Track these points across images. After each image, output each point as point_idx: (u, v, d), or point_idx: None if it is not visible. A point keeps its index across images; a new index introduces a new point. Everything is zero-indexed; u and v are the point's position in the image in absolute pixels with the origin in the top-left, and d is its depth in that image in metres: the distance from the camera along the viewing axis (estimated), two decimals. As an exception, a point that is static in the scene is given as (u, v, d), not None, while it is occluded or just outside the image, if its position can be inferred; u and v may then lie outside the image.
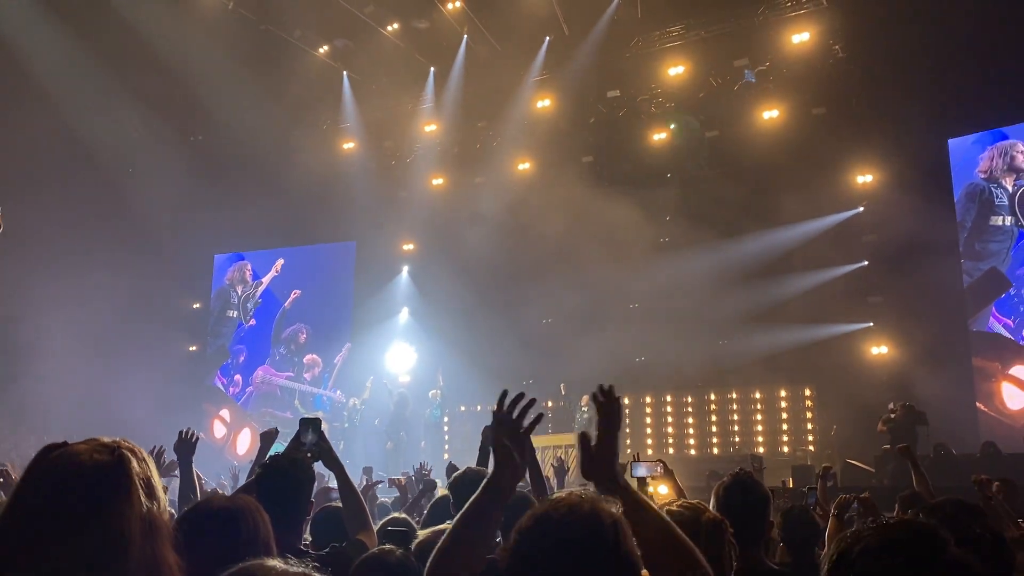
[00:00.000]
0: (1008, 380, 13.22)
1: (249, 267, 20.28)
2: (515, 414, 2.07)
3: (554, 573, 1.56)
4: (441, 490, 5.91)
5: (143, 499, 1.54)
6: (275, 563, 1.44)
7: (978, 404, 13.32)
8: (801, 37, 14.63)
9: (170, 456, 4.60)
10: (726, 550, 2.56)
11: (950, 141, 14.30)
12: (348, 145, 18.45)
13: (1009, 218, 13.61)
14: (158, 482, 1.63)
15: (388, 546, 2.73)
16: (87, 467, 1.53)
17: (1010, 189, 13.63)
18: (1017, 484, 6.30)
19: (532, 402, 2.10)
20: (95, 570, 1.45)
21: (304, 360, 19.25)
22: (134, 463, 1.57)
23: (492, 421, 2.08)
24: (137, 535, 1.50)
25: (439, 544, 1.96)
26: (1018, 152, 13.63)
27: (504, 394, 2.10)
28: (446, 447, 16.89)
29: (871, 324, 14.39)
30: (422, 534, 3.07)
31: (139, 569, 1.48)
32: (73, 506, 1.49)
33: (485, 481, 2.03)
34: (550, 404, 16.92)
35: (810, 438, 15.09)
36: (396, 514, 4.02)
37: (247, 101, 16.27)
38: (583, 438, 2.10)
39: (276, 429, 4.49)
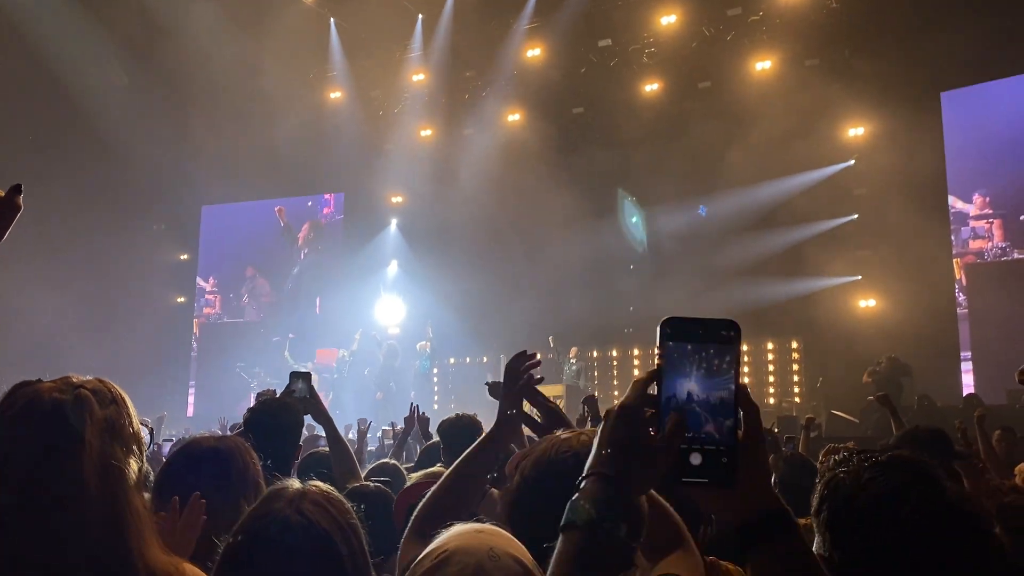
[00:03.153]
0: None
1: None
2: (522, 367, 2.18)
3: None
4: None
5: (100, 442, 1.48)
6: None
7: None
8: (795, -13, 14.42)
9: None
10: None
11: (943, 94, 14.23)
12: (335, 95, 18.18)
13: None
14: (131, 426, 1.57)
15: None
16: (44, 405, 1.48)
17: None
18: (1016, 433, 6.32)
19: (538, 362, 2.24)
20: (47, 512, 1.41)
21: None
22: (95, 405, 1.51)
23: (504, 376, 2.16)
24: (92, 478, 1.44)
25: (430, 492, 1.97)
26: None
27: (522, 354, 2.19)
28: (435, 398, 17.00)
29: (859, 277, 14.46)
30: (413, 477, 3.10)
31: (97, 514, 1.43)
32: (26, 445, 1.45)
33: (484, 436, 2.05)
34: (539, 356, 16.97)
35: (796, 389, 15.26)
36: (385, 460, 4.05)
37: (234, 49, 15.96)
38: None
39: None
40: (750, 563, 1.05)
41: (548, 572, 1.02)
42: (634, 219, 16.18)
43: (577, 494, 1.04)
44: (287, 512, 1.43)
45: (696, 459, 1.03)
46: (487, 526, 1.36)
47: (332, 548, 1.42)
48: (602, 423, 1.08)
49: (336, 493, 1.52)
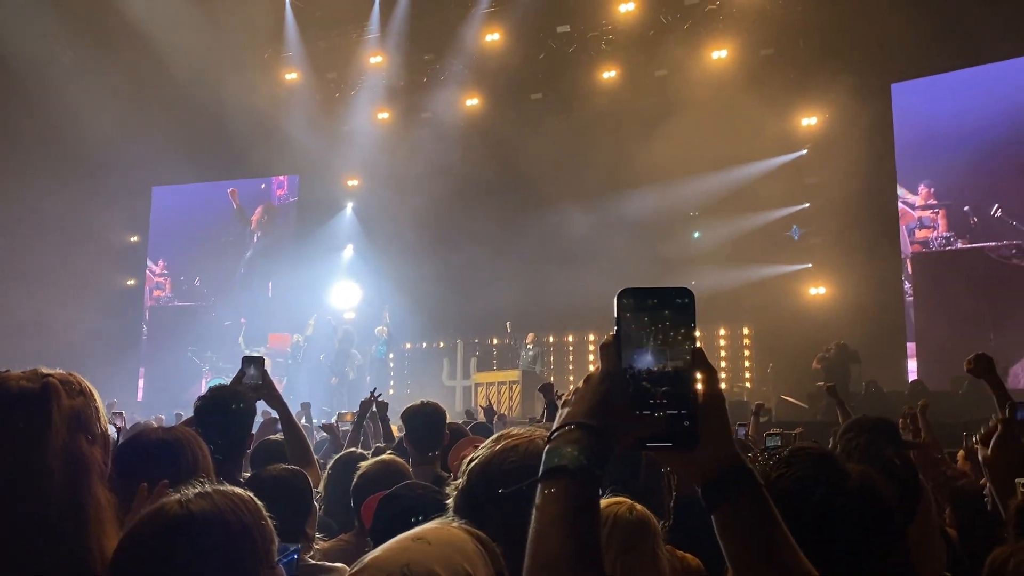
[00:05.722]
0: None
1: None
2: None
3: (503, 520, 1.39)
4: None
5: (66, 433, 1.48)
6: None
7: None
8: (751, -24, 14.54)
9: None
10: (665, 480, 2.65)
11: (893, 85, 14.50)
12: (291, 76, 17.88)
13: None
14: (98, 418, 1.57)
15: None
16: (10, 395, 1.49)
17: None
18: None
19: None
20: (10, 499, 1.41)
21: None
22: (62, 395, 1.51)
23: None
24: (57, 469, 1.45)
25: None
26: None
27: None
28: (391, 383, 16.95)
29: (810, 265, 14.73)
30: (363, 466, 3.09)
31: (60, 505, 1.44)
32: None
33: None
34: (495, 341, 17.05)
35: (747, 375, 15.50)
36: (352, 450, 4.02)
37: (186, 27, 15.58)
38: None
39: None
40: (715, 522, 1.06)
41: (532, 525, 1.00)
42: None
43: (554, 443, 1.04)
44: (172, 506, 1.40)
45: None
46: (435, 531, 1.25)
47: (196, 535, 1.36)
48: (583, 383, 1.08)
49: (235, 491, 1.47)
